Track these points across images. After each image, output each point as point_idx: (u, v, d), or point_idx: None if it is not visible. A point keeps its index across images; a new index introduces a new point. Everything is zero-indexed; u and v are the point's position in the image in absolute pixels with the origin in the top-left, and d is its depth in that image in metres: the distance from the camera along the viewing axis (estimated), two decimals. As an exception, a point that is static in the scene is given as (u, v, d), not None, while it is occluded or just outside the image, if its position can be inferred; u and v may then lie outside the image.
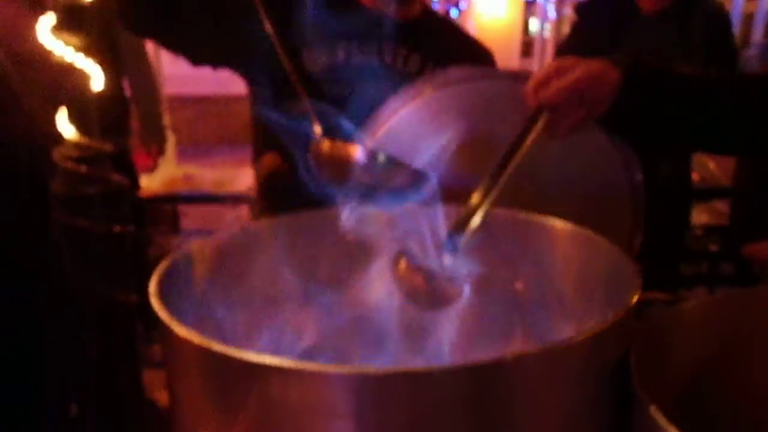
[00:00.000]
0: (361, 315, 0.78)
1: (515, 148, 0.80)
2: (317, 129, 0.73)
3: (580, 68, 0.84)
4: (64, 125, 1.90)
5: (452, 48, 1.33)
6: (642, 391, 0.54)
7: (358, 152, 0.72)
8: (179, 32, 1.15)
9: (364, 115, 0.98)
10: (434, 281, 0.72)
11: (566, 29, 9.44)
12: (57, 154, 1.89)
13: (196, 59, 1.26)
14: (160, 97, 3.10)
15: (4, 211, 1.75)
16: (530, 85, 0.84)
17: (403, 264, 0.72)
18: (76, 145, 1.92)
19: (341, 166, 0.72)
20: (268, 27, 0.78)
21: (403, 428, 0.51)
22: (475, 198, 0.78)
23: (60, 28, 1.87)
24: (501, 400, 0.51)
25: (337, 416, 0.51)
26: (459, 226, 0.76)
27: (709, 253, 3.23)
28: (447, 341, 0.72)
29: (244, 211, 3.55)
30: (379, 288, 0.76)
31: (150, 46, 3.00)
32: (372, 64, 1.25)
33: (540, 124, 0.82)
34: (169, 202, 3.38)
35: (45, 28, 1.87)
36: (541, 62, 9.14)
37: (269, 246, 0.78)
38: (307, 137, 0.75)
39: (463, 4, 10.30)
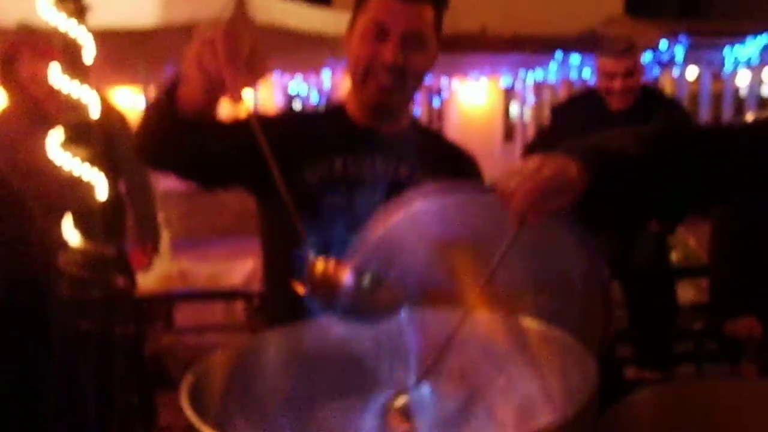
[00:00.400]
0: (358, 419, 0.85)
1: (501, 259, 0.90)
2: (310, 253, 0.82)
3: (566, 196, 0.93)
4: (70, 232, 2.00)
5: (439, 157, 1.43)
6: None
7: (346, 275, 0.81)
8: (195, 164, 1.23)
9: (359, 223, 1.08)
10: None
11: (545, 112, 9.71)
12: (62, 260, 1.98)
13: (209, 185, 1.35)
14: (155, 197, 3.16)
15: (11, 316, 1.81)
16: (516, 206, 0.92)
17: (391, 414, 0.79)
18: (80, 251, 2.02)
19: (332, 287, 0.80)
20: (265, 152, 0.87)
21: None
22: (466, 308, 0.88)
23: (68, 142, 2.00)
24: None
25: None
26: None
27: (693, 331, 3.27)
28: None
29: (238, 305, 3.61)
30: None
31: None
32: (365, 175, 1.35)
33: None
34: (165, 301, 3.43)
35: (54, 142, 2.00)
36: (523, 145, 9.38)
37: (278, 355, 0.87)
38: (302, 259, 0.83)
39: (445, 93, 10.65)
